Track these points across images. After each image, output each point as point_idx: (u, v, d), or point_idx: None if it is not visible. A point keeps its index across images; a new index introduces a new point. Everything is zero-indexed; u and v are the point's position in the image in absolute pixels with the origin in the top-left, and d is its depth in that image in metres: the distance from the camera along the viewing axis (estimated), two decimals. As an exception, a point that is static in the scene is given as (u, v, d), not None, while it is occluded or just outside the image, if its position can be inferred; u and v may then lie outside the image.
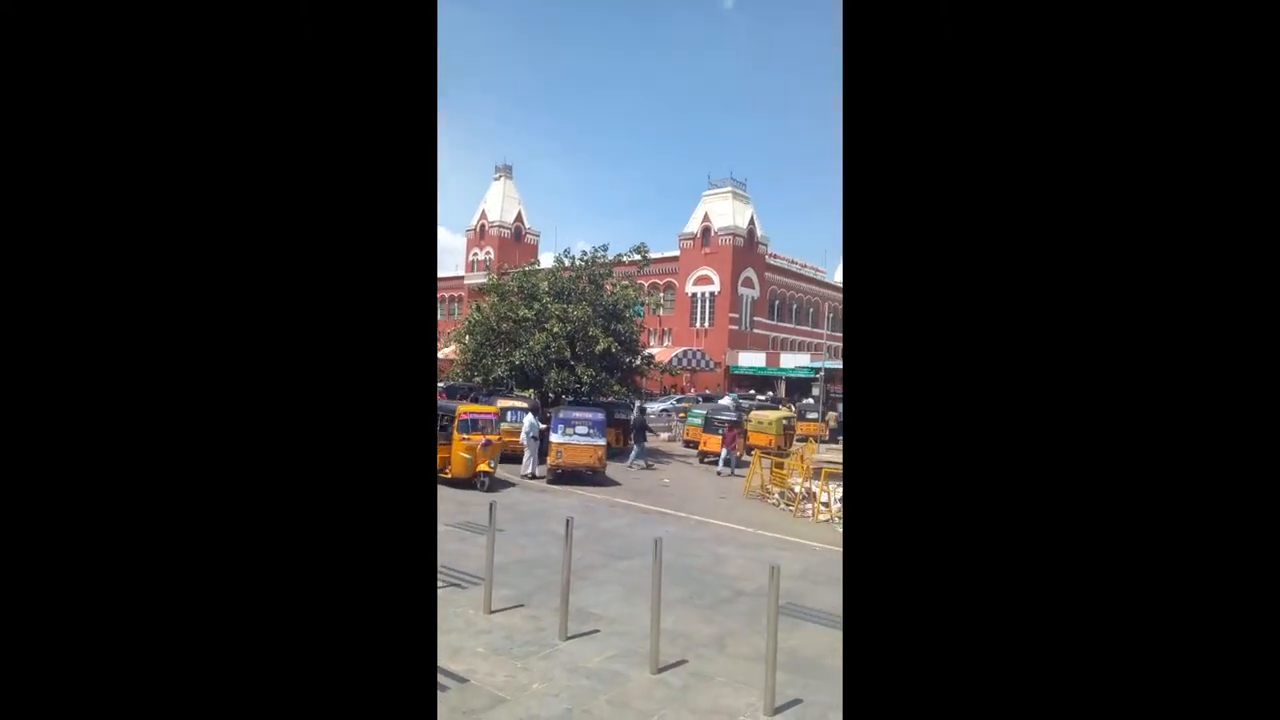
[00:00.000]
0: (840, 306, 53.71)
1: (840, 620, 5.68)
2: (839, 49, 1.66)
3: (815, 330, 48.58)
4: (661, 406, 26.36)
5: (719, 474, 13.98)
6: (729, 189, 42.20)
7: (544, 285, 16.98)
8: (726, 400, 24.88)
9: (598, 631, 5.19)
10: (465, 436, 10.79)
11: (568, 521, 5.23)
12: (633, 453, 14.45)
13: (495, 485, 11.05)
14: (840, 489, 10.60)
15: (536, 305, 16.38)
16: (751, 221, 42.26)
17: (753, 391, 34.21)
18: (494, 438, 11.15)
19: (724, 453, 14.24)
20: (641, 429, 14.83)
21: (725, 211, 41.31)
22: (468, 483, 10.78)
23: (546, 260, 27.23)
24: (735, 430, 14.55)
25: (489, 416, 11.42)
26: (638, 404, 16.51)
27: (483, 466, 10.93)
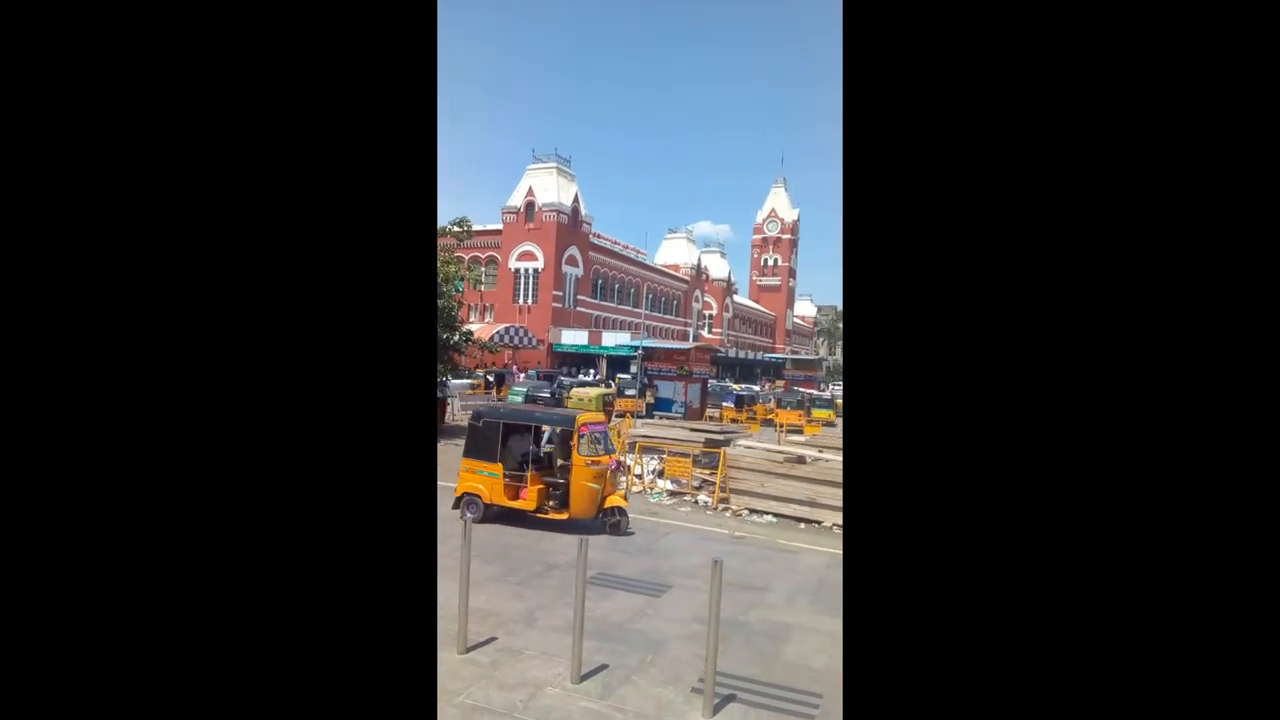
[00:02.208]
0: (659, 288, 55.80)
1: (654, 588, 5.97)
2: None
3: (635, 310, 50.05)
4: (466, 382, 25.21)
5: None
6: (554, 164, 41.80)
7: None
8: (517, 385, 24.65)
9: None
10: (592, 460, 7.52)
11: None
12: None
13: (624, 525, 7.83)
14: (653, 460, 11.07)
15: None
16: (576, 199, 42.29)
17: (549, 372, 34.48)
18: (618, 457, 8.13)
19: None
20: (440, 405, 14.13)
21: (550, 187, 40.90)
22: (584, 522, 7.61)
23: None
24: None
25: (601, 427, 8.12)
26: (442, 380, 15.87)
27: (616, 500, 7.78)
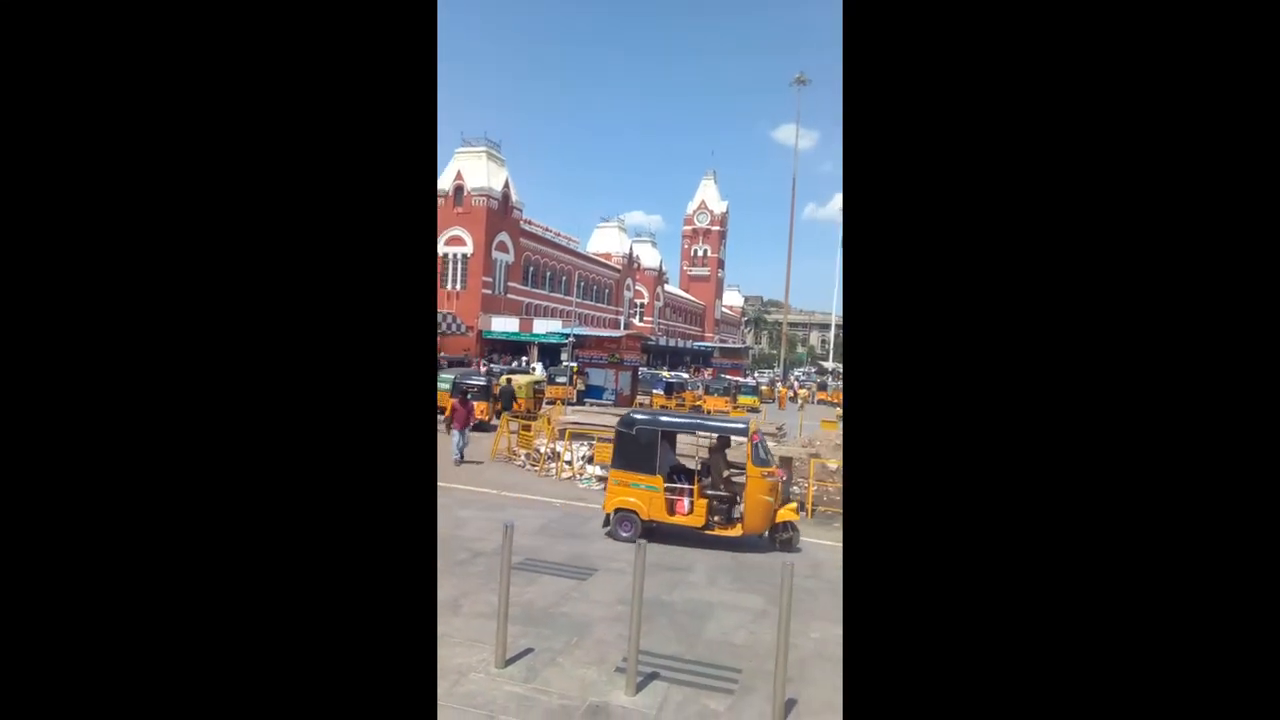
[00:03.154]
0: (591, 276, 55.59)
1: (581, 572, 6.01)
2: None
3: (567, 297, 49.71)
4: None
5: (455, 462, 11.02)
6: (484, 149, 40.87)
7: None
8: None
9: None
10: (766, 471, 6.86)
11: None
12: None
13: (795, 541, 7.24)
14: (583, 447, 11.09)
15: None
16: (506, 185, 41.50)
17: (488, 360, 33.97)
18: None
19: (455, 436, 11.14)
20: None
21: (479, 171, 39.97)
22: (752, 539, 7.06)
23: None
24: (466, 408, 11.40)
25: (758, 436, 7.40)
26: None
27: (787, 514, 7.10)
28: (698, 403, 24.23)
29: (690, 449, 9.59)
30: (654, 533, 6.96)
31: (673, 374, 34.44)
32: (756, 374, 47.17)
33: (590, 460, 10.80)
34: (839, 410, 27.46)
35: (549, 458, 11.15)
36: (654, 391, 25.12)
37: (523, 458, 11.60)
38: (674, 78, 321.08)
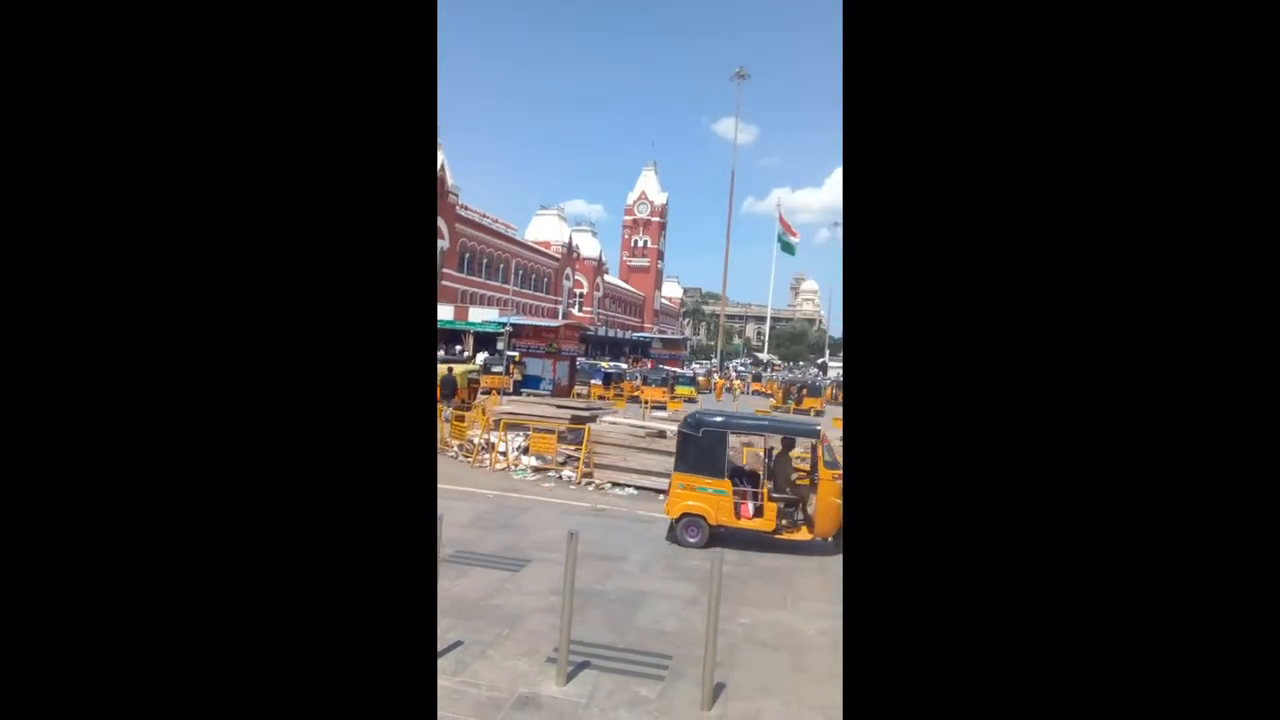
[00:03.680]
0: (529, 264, 54.89)
1: (513, 563, 5.94)
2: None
3: (504, 286, 48.96)
4: None
5: None
6: (418, 129, 39.58)
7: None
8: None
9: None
10: (835, 474, 6.63)
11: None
12: None
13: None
14: (518, 438, 10.96)
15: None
16: (442, 168, 40.40)
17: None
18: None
19: None
20: None
21: (413, 153, 38.71)
22: (819, 544, 6.91)
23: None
24: None
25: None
26: None
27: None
28: (635, 393, 24.32)
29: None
30: (723, 538, 6.81)
31: (612, 364, 34.46)
32: (694, 365, 47.69)
33: (525, 451, 10.69)
34: (773, 400, 28.12)
35: (483, 448, 10.97)
36: (592, 382, 25.06)
37: (455, 448, 11.38)
38: (618, 60, 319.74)
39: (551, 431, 10.51)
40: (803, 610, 5.37)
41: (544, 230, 61.63)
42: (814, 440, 6.96)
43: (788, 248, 47.57)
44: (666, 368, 33.62)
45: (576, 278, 65.09)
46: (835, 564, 6.68)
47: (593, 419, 11.12)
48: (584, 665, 4.07)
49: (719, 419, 7.22)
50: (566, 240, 62.13)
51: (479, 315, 38.33)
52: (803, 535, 6.92)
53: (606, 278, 72.17)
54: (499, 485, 9.27)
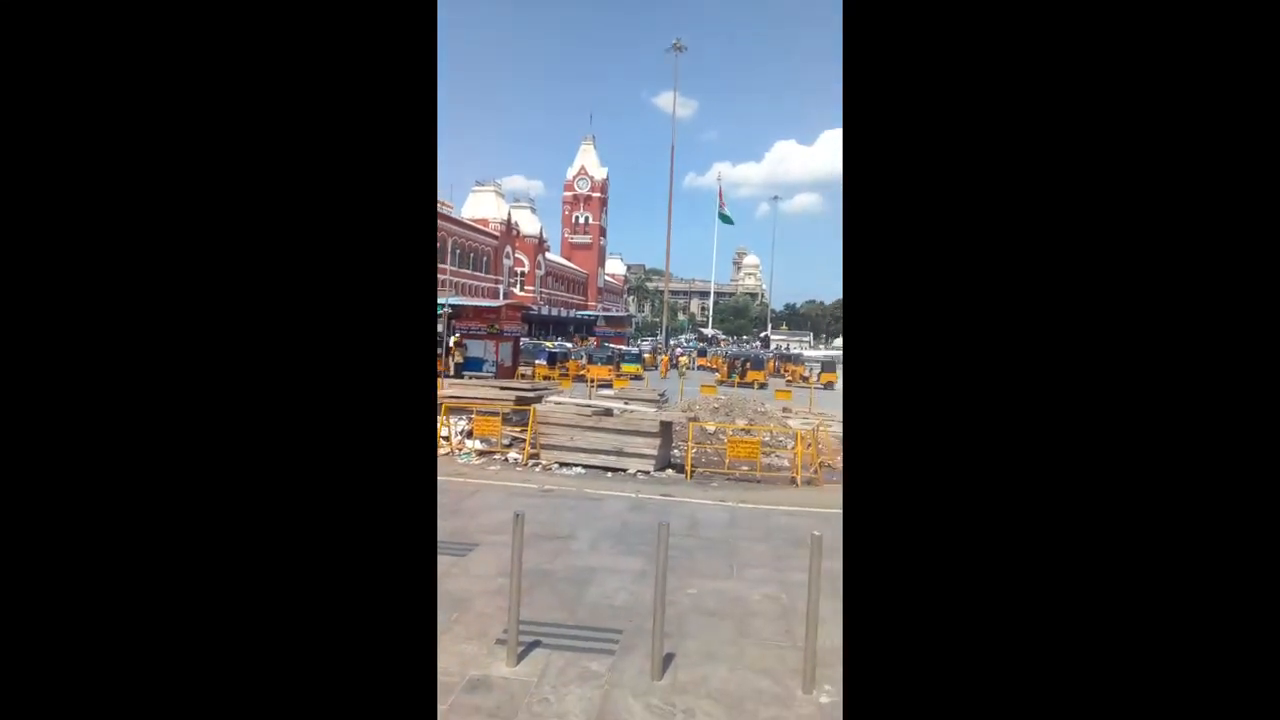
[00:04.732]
0: (467, 243, 53.70)
1: (460, 548, 5.88)
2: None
3: (441, 266, 47.78)
4: None
5: None
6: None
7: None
8: None
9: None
10: None
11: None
12: None
13: None
14: (461, 421, 10.80)
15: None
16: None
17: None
18: None
19: None
20: None
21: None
22: None
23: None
24: None
25: None
26: None
27: None
28: (581, 372, 24.26)
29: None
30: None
31: (556, 344, 34.21)
32: (640, 342, 47.83)
33: (469, 435, 10.55)
34: (718, 375, 28.52)
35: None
36: (537, 362, 24.86)
37: (398, 434, 11.12)
38: (555, 28, 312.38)
39: (496, 414, 10.39)
40: (748, 577, 5.52)
41: (482, 207, 60.32)
42: None
43: (726, 219, 51.86)
44: (612, 345, 33.63)
45: (517, 256, 64.09)
46: (779, 533, 6.88)
47: (538, 399, 11.05)
48: (535, 645, 4.08)
49: None
50: (505, 218, 60.98)
51: (418, 297, 37.30)
52: None
53: (548, 255, 71.34)
54: (443, 470, 9.12)
